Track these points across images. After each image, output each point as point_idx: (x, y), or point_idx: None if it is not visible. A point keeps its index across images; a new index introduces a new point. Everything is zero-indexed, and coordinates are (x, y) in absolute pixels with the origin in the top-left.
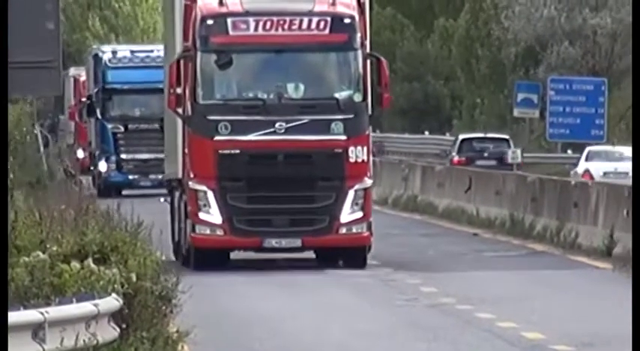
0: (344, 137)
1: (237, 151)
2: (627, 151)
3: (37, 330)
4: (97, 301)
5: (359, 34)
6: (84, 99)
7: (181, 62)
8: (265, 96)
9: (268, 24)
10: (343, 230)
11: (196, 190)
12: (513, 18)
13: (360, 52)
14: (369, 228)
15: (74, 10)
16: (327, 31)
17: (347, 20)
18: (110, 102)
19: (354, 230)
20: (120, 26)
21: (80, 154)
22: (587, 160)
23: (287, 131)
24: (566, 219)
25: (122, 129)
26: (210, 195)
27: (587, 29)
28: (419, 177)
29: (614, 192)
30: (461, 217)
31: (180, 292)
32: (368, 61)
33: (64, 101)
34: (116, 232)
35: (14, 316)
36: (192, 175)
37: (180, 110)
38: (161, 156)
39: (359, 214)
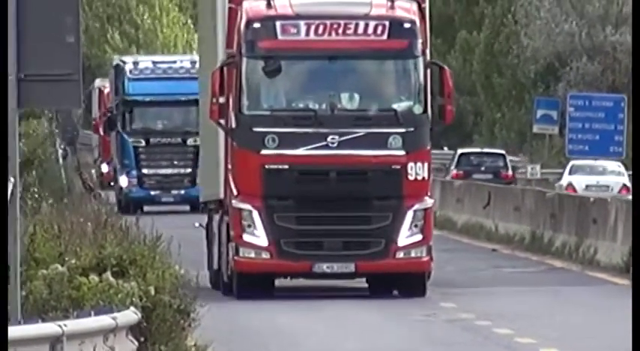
0: (402, 152)
1: (286, 167)
2: (610, 165)
3: (54, 343)
4: (115, 315)
5: (420, 40)
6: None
7: (225, 70)
8: (317, 106)
9: (321, 28)
10: (401, 254)
11: (240, 209)
12: (533, 35)
13: (420, 60)
14: (429, 252)
15: (93, 24)
16: (385, 36)
17: (407, 25)
18: (131, 115)
19: (412, 254)
20: (140, 39)
21: (104, 168)
22: (570, 173)
23: (340, 145)
24: (585, 235)
25: (143, 143)
26: (256, 214)
27: (607, 45)
28: (438, 192)
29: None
30: (480, 232)
31: (199, 306)
32: (429, 70)
33: (84, 114)
34: (135, 246)
35: (32, 329)
36: (235, 193)
37: (223, 122)
38: (183, 171)
39: (418, 237)
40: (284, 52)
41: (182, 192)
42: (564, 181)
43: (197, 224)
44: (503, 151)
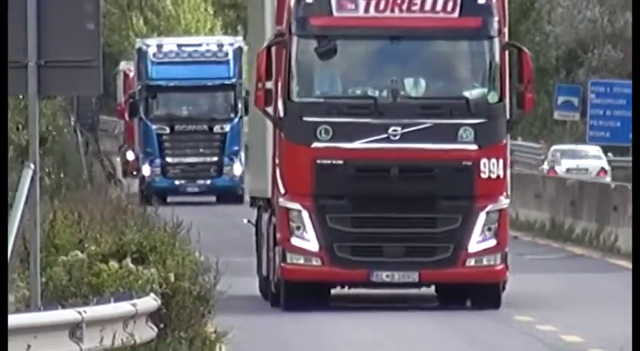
0: (475, 147)
1: (340, 162)
2: (591, 149)
3: (74, 329)
4: (135, 301)
5: (496, 19)
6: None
7: (272, 51)
8: (376, 94)
9: (382, 4)
10: (471, 262)
11: (288, 210)
12: (555, 22)
13: (496, 41)
14: (504, 260)
15: (114, 11)
16: (456, 13)
17: (481, 1)
18: (155, 100)
19: (484, 262)
20: (162, 26)
21: (130, 155)
22: (552, 157)
23: (403, 138)
24: (606, 222)
25: (167, 130)
26: (306, 215)
27: (629, 32)
28: None
29: None
30: None
31: (219, 293)
32: (506, 53)
33: (106, 100)
34: (155, 232)
35: (52, 316)
36: (283, 191)
37: (270, 110)
38: (209, 160)
39: (491, 243)
40: (340, 30)
41: (208, 182)
42: (545, 166)
43: (246, 220)
44: None
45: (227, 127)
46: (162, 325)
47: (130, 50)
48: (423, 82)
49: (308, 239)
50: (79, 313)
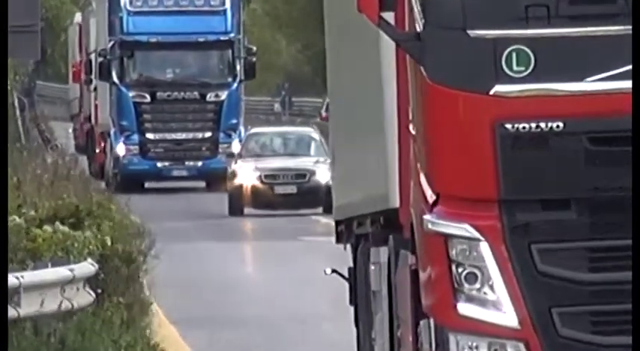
0: None
1: (556, 125)
2: None
3: (12, 294)
4: (72, 266)
5: None
6: (92, 56)
7: None
8: None
9: None
10: None
11: (447, 238)
12: None
13: None
14: None
15: None
16: None
17: None
18: (131, 60)
19: None
20: None
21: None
22: None
23: None
24: None
25: (148, 98)
26: (488, 250)
27: None
28: None
29: None
30: None
31: (154, 257)
32: None
33: (44, 65)
34: (91, 196)
35: None
36: (431, 198)
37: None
38: (201, 136)
39: None
40: None
41: (199, 164)
42: None
43: (329, 270)
44: None
45: (223, 95)
46: (99, 290)
47: (68, 17)
48: None
49: (496, 304)
50: (17, 278)
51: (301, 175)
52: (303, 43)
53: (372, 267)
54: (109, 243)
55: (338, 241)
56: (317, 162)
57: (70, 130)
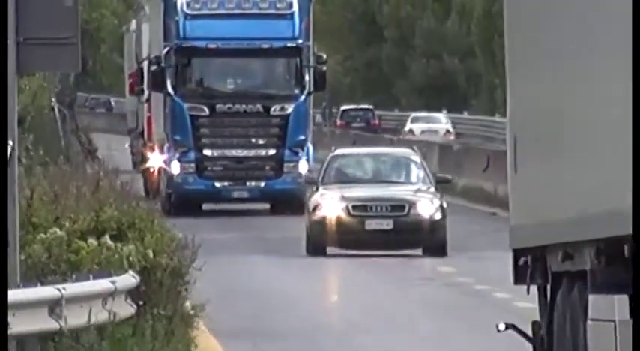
0: None
1: None
2: (440, 116)
3: (53, 306)
4: (114, 278)
5: None
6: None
7: None
8: None
9: None
10: None
11: None
12: None
13: None
14: None
15: None
16: None
17: None
18: (188, 69)
19: None
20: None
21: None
22: (411, 122)
23: None
24: None
25: (206, 111)
26: None
27: None
28: (436, 156)
29: None
30: (479, 196)
31: (196, 269)
32: None
33: (84, 77)
34: (133, 209)
35: (31, 293)
36: None
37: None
38: (264, 153)
39: None
40: None
41: (262, 184)
42: (407, 128)
43: (502, 326)
44: (371, 107)
45: (289, 108)
46: (141, 302)
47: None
48: None
49: None
50: (59, 290)
51: (399, 206)
52: (343, 54)
53: (592, 325)
54: (151, 256)
55: (517, 280)
56: (418, 191)
57: (127, 145)
